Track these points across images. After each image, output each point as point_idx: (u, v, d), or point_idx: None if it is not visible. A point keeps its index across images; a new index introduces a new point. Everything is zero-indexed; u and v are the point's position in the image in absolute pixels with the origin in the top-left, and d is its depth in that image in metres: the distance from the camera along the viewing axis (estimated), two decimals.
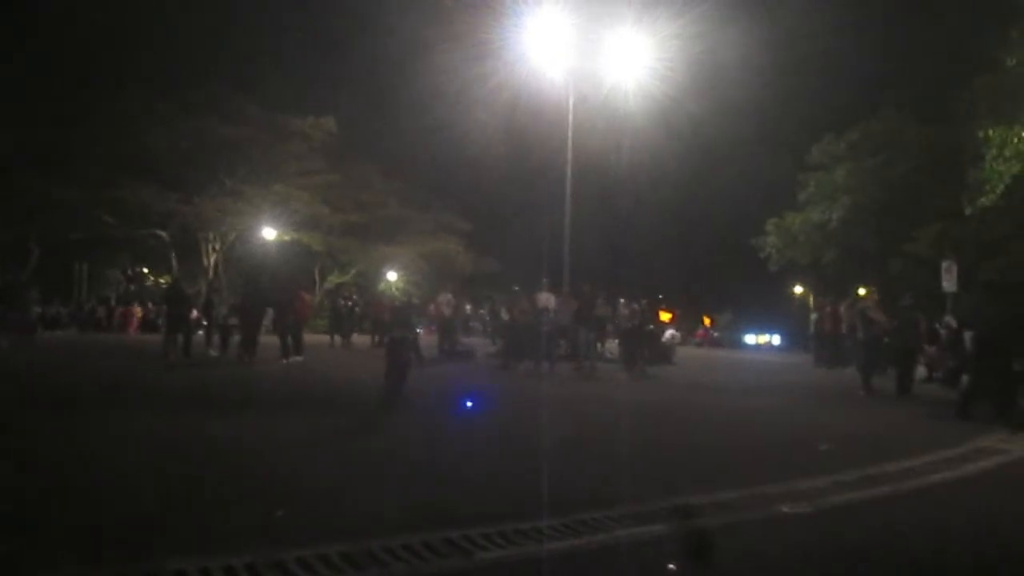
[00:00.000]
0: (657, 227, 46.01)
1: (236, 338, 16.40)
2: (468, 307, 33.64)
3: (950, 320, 15.88)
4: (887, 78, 34.99)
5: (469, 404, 8.57)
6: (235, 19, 46.44)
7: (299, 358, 15.66)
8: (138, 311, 34.16)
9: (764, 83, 36.53)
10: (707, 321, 56.37)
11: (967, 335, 11.64)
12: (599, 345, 18.92)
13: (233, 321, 17.25)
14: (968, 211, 23.35)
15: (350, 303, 25.22)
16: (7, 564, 3.26)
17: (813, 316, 24.03)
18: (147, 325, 32.98)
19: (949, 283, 18.68)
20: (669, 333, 25.41)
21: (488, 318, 29.94)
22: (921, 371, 15.19)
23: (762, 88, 35.69)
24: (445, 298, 20.34)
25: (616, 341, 19.41)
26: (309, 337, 18.45)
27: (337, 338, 22.77)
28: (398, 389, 8.81)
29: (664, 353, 20.28)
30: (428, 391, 9.98)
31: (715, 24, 23.18)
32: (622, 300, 18.74)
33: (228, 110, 32.18)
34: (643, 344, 17.12)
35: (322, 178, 35.57)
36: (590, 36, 20.16)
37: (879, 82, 35.94)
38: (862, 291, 19.91)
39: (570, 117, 20.32)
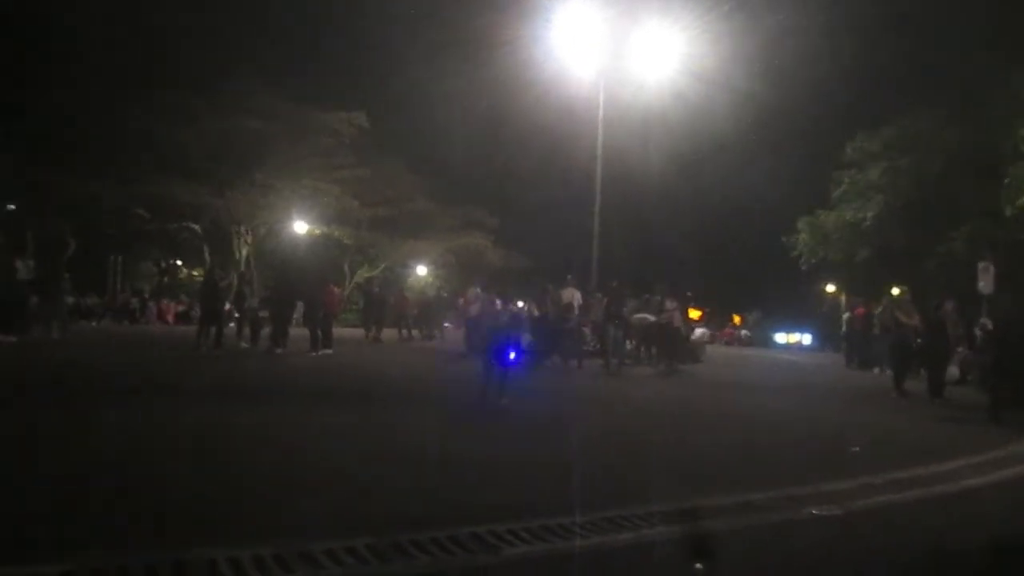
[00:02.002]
0: (687, 224, 45.66)
1: (267, 330, 16.56)
2: (497, 302, 33.58)
3: (986, 322, 15.62)
4: (922, 74, 34.36)
5: (512, 355, 8.46)
6: (264, 14, 46.68)
7: (328, 351, 15.77)
8: (173, 305, 34.80)
9: (795, 78, 36.00)
10: (737, 320, 55.88)
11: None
12: (628, 342, 18.84)
13: (263, 313, 17.42)
14: (1008, 211, 22.93)
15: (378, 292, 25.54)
16: (43, 547, 3.33)
17: (845, 316, 23.75)
18: (180, 317, 33.63)
19: (986, 284, 18.35)
20: (699, 331, 25.25)
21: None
22: (954, 373, 14.97)
23: (793, 83, 35.20)
24: (473, 293, 20.38)
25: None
26: (338, 331, 18.59)
27: (372, 330, 22.99)
28: (498, 383, 8.80)
29: (693, 351, 20.14)
30: (455, 386, 10.01)
31: (745, 20, 23.00)
32: (656, 297, 18.57)
33: (258, 105, 32.39)
34: (672, 342, 17.02)
35: (351, 172, 35.73)
36: (619, 32, 20.09)
37: (914, 78, 35.31)
38: (896, 291, 19.66)
39: (600, 113, 20.26)
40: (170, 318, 33.08)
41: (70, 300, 28.01)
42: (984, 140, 26.90)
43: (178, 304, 35.57)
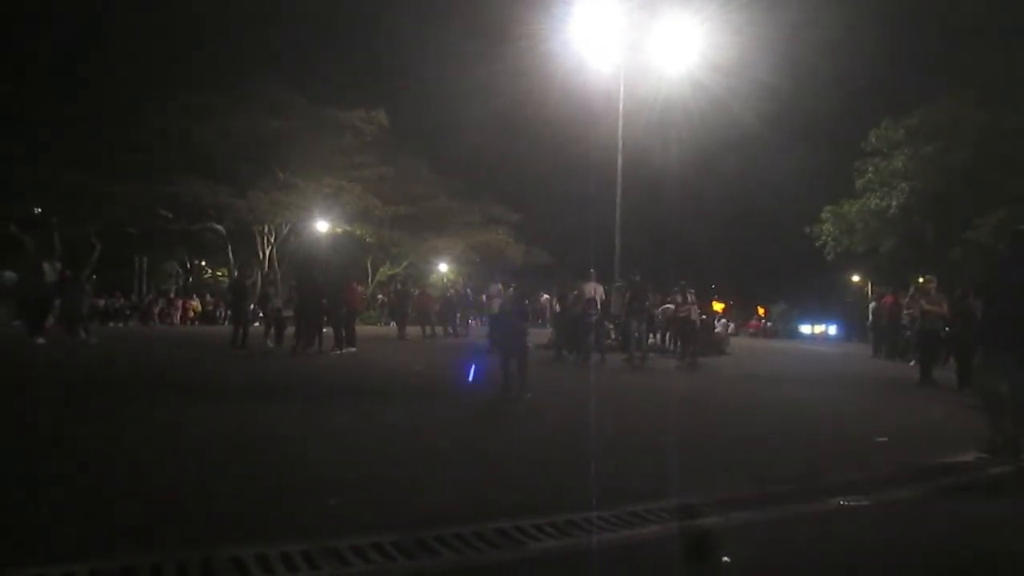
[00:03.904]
0: (710, 216, 45.50)
1: (291, 329, 16.66)
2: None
3: None
4: (945, 61, 33.92)
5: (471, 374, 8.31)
6: (284, 13, 47.02)
7: (352, 349, 15.84)
8: (194, 304, 35.20)
9: (817, 67, 35.73)
10: (761, 311, 55.57)
11: None
12: (651, 336, 18.78)
13: (288, 313, 17.53)
14: None
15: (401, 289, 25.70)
16: (71, 546, 3.37)
17: (872, 305, 23.52)
18: (205, 317, 34.01)
19: None
20: (722, 323, 25.16)
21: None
22: None
23: (815, 72, 34.95)
24: (495, 289, 20.38)
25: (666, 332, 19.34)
26: (361, 329, 18.67)
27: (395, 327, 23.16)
28: (517, 378, 8.87)
29: (717, 344, 20.06)
30: (477, 383, 10.03)
31: (766, 10, 22.81)
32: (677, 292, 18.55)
33: (279, 104, 32.64)
34: (691, 335, 16.95)
35: (373, 171, 35.86)
36: (639, 25, 19.99)
37: (938, 65, 34.88)
38: (921, 280, 19.43)
39: (620, 107, 20.17)
40: (178, 318, 33.33)
41: (100, 303, 28.48)
42: (1011, 126, 26.54)
43: (203, 303, 35.92)
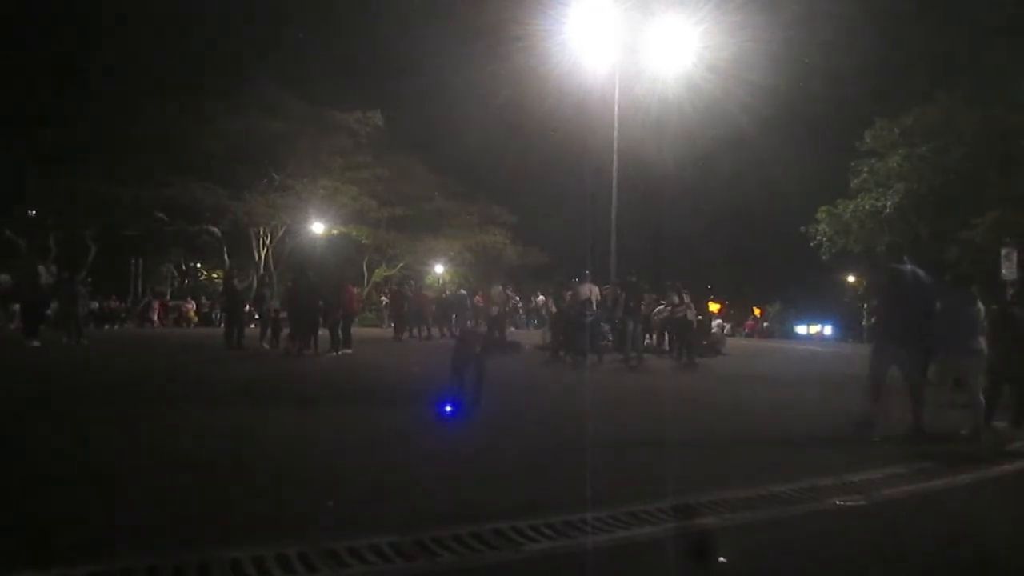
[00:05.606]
0: (705, 217, 45.54)
1: (286, 331, 16.66)
2: (517, 299, 33.53)
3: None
4: (940, 62, 33.96)
5: (448, 409, 8.02)
6: (281, 15, 46.98)
7: (348, 351, 15.84)
8: (190, 308, 35.23)
9: (812, 69, 35.75)
10: (757, 312, 55.65)
11: None
12: (647, 337, 18.77)
13: (284, 314, 17.51)
14: None
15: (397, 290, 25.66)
16: (69, 549, 3.37)
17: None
18: (202, 319, 34.06)
19: (1009, 270, 18.15)
20: (718, 324, 25.14)
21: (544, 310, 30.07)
22: None
23: (810, 74, 34.94)
24: (496, 291, 20.37)
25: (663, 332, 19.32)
26: (358, 330, 18.63)
27: (391, 327, 23.03)
28: (473, 384, 8.53)
29: (713, 344, 20.06)
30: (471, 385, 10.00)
31: (760, 11, 22.84)
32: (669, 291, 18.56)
33: (275, 106, 32.62)
34: (687, 335, 16.95)
35: (369, 172, 35.84)
36: (635, 26, 20.01)
37: (933, 65, 34.92)
38: None
39: (615, 108, 20.18)
40: (155, 319, 33.35)
41: (94, 305, 28.44)
42: (1005, 126, 26.61)
43: (198, 306, 35.94)
